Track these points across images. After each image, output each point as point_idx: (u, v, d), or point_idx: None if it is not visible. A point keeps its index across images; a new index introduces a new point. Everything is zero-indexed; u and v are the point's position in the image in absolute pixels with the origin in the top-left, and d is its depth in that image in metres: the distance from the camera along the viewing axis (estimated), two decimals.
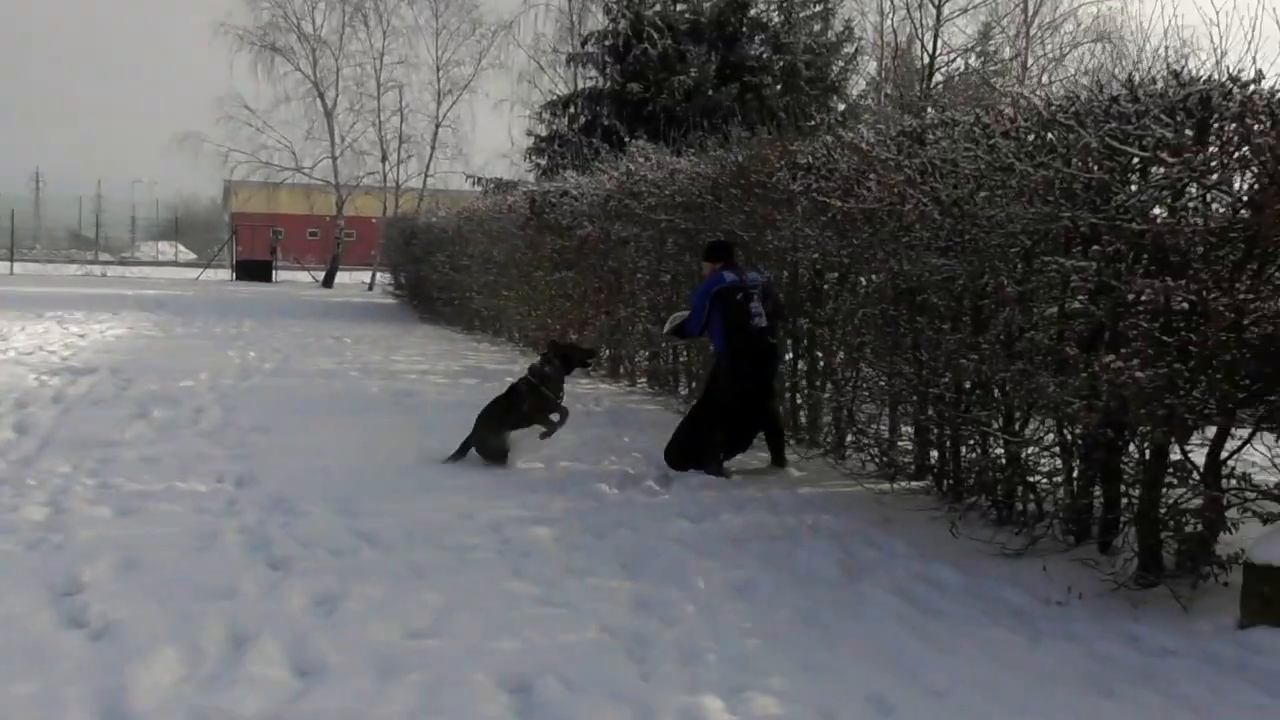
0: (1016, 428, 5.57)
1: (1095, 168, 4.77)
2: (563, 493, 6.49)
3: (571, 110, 25.95)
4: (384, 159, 35.20)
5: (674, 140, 13.54)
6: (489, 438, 7.23)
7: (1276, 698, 3.64)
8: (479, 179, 27.78)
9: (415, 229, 23.11)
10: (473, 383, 11.51)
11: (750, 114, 20.92)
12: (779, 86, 24.92)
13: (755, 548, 5.41)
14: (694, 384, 10.22)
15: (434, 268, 20.30)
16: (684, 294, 9.99)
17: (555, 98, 26.85)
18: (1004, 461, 5.59)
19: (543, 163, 25.65)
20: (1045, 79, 24.04)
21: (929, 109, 8.67)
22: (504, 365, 13.24)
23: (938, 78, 26.85)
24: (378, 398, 10.35)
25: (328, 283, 35.40)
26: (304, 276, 39.53)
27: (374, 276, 34.83)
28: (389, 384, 11.22)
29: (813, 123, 8.91)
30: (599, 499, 6.39)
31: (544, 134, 26.52)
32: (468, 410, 9.57)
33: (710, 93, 23.98)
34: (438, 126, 34.73)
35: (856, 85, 27.90)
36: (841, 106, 25.80)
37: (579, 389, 10.99)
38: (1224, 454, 4.58)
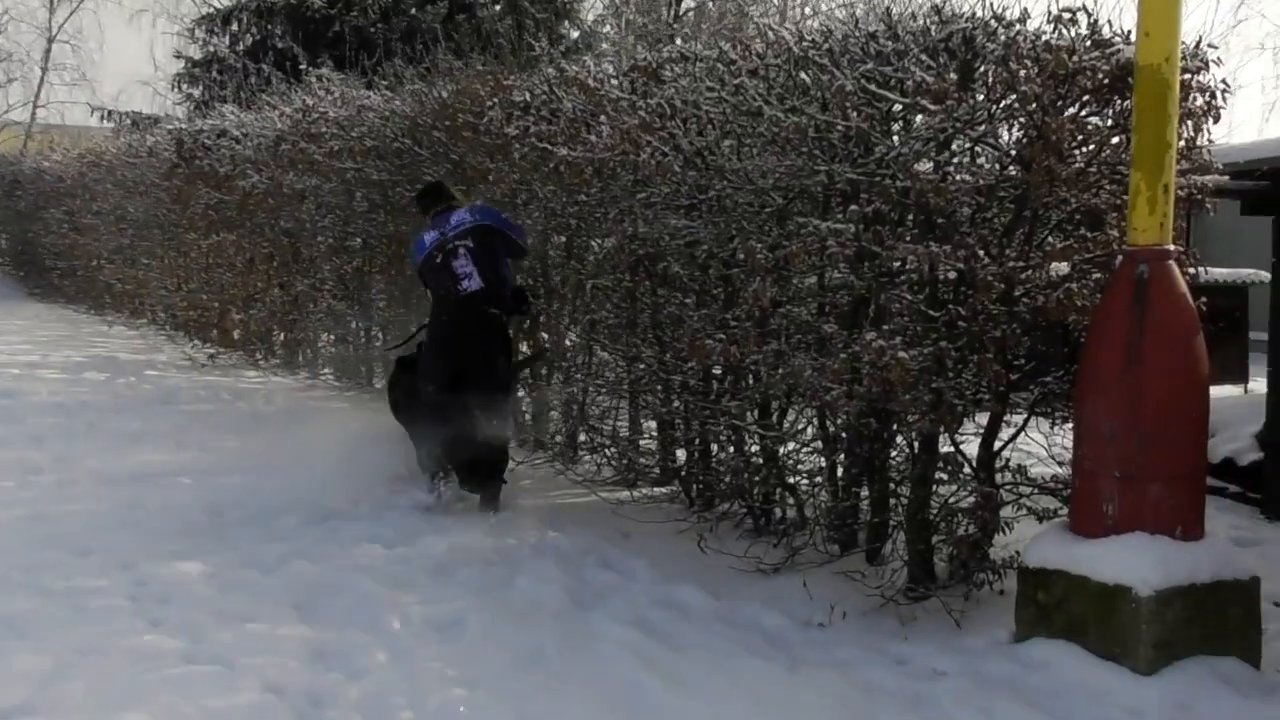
0: (774, 420, 5.78)
1: (854, 114, 4.99)
2: (218, 516, 6.32)
3: (235, 27, 24.88)
4: None
5: (366, 70, 13.24)
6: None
7: (1052, 717, 3.95)
8: (109, 112, 26.23)
9: (20, 176, 21.98)
10: (101, 378, 11.12)
11: (463, 39, 20.76)
12: (498, 7, 24.89)
13: (464, 576, 5.39)
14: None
15: (47, 227, 19.50)
16: (377, 262, 9.82)
17: (213, 10, 25.64)
18: (760, 461, 5.79)
19: (196, 93, 24.51)
20: (809, 10, 25.25)
21: (675, 40, 8.90)
22: (144, 355, 12.64)
23: (688, 3, 27.63)
24: None
25: None
26: None
27: None
28: None
29: (536, 52, 8.85)
30: (265, 524, 6.21)
31: (198, 56, 25.32)
32: (93, 413, 9.14)
33: (413, 11, 23.63)
34: (50, 41, 32.54)
35: (593, 9, 28.28)
36: (575, 34, 26.08)
37: (242, 385, 10.62)
38: (997, 444, 4.92)
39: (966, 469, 4.87)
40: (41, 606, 4.87)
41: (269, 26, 24.27)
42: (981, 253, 4.65)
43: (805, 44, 5.34)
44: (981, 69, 4.76)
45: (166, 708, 3.90)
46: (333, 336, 11.18)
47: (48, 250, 19.68)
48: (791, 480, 5.74)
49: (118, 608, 4.91)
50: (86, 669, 4.24)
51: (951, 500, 4.92)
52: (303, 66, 18.01)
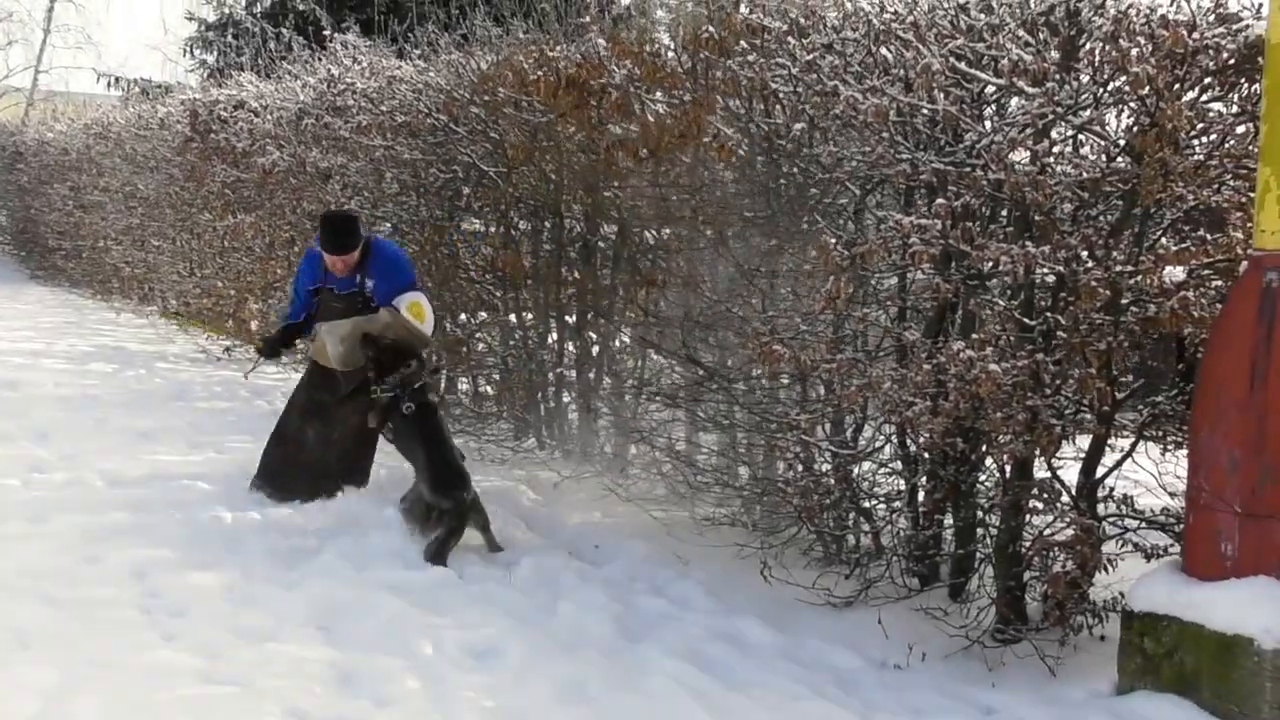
0: (848, 436, 5.72)
1: (941, 96, 4.92)
2: (235, 525, 6.35)
3: None
4: None
5: (397, 36, 13.22)
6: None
7: None
8: (117, 79, 26.48)
9: (22, 148, 22.20)
10: (109, 370, 11.22)
11: (502, 4, 20.70)
12: None
13: (503, 600, 5.39)
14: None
15: (50, 204, 19.70)
16: (408, 249, 9.80)
17: None
18: (832, 482, 5.73)
19: (210, 59, 24.69)
20: None
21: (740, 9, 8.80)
22: (155, 345, 12.75)
23: None
24: None
25: None
26: None
27: None
28: None
29: (586, 19, 8.80)
30: (286, 534, 6.24)
31: (211, 19, 25.50)
32: (101, 408, 9.22)
33: None
34: (53, 1, 32.84)
35: None
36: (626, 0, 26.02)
37: (261, 382, 10.65)
38: (1100, 471, 4.84)
39: (1064, 498, 4.80)
40: (49, 616, 4.95)
41: None
42: (1084, 254, 4.59)
43: (887, 16, 5.28)
44: (1087, 47, 4.69)
45: None
46: None
47: (51, 229, 19.90)
48: (867, 504, 5.69)
49: (129, 620, 4.99)
50: (98, 684, 4.33)
51: (1047, 532, 4.84)
52: (326, 32, 17.99)
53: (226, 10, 25.18)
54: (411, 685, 4.46)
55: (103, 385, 10.35)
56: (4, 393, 9.78)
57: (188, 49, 25.73)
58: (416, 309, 6.76)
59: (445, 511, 6.10)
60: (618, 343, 7.48)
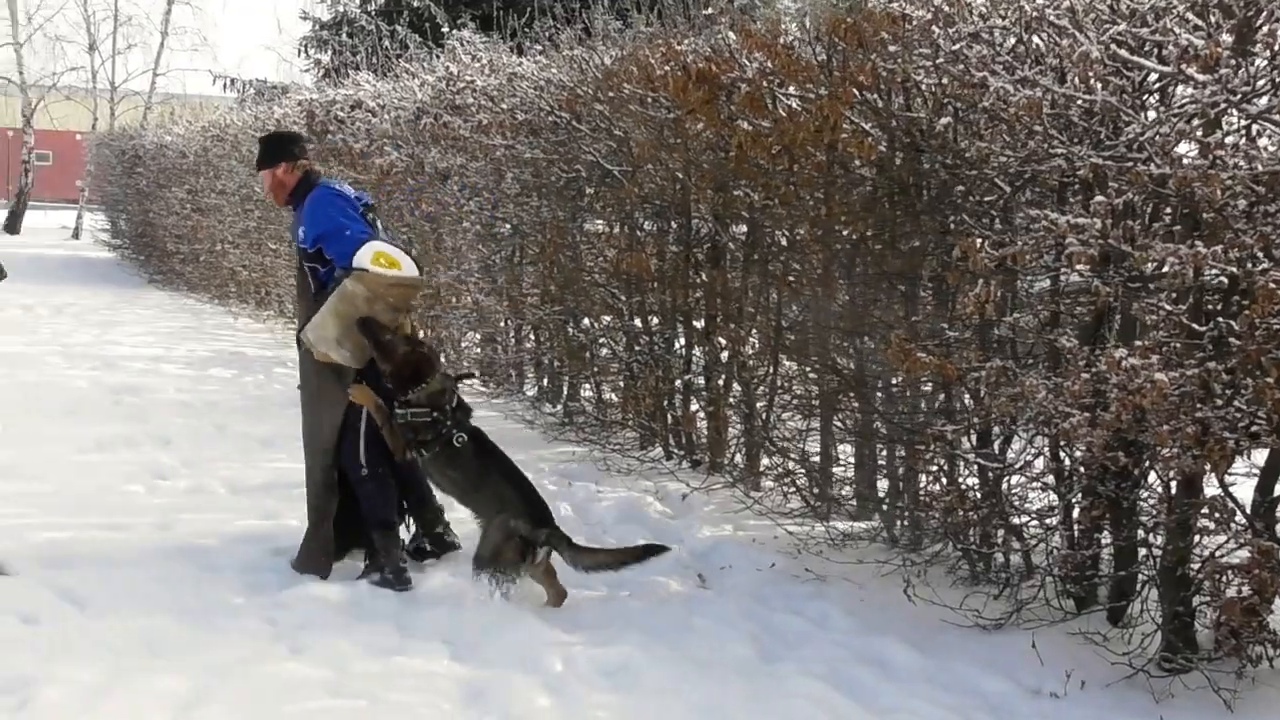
0: (995, 448, 5.61)
1: (1100, 86, 4.79)
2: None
3: None
4: (92, 49, 34.33)
5: (515, 32, 13.31)
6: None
7: None
8: (232, 80, 27.12)
9: (141, 151, 22.72)
10: (228, 374, 11.45)
11: None
12: None
13: (635, 615, 5.40)
14: (546, 380, 10.12)
15: (169, 208, 20.03)
16: (529, 252, 9.84)
17: None
18: (978, 495, 5.63)
19: (325, 59, 25.17)
20: None
21: None
22: (273, 350, 12.98)
23: None
24: (88, 395, 10.18)
25: (11, 227, 34.19)
26: None
27: (80, 218, 33.92)
28: (104, 375, 11.06)
29: (712, 10, 8.75)
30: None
31: (326, 18, 25.99)
32: (221, 414, 9.41)
33: None
34: (171, 4, 33.82)
35: None
36: None
37: None
38: (1279, 488, 4.66)
39: (1239, 517, 4.61)
40: (177, 624, 5.10)
41: None
42: (1260, 254, 4.40)
43: (1040, 2, 5.15)
44: (1265, 29, 4.51)
45: None
46: (478, 336, 11.28)
47: (169, 233, 20.30)
48: (1017, 521, 5.57)
49: (255, 630, 5.11)
50: (226, 695, 4.45)
51: (1219, 554, 4.67)
52: (443, 28, 18.23)
53: (341, 9, 25.65)
54: (542, 703, 4.50)
55: (222, 391, 10.57)
56: (127, 398, 10.04)
57: (302, 49, 26.29)
58: (382, 258, 5.83)
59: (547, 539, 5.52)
60: (748, 348, 7.42)
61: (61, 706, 4.30)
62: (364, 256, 5.77)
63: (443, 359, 11.54)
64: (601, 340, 8.96)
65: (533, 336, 10.28)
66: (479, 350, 11.28)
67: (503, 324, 10.64)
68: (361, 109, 12.57)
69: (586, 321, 9.02)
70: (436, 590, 5.66)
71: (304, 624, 5.20)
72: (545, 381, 10.20)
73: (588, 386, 9.41)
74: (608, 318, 8.82)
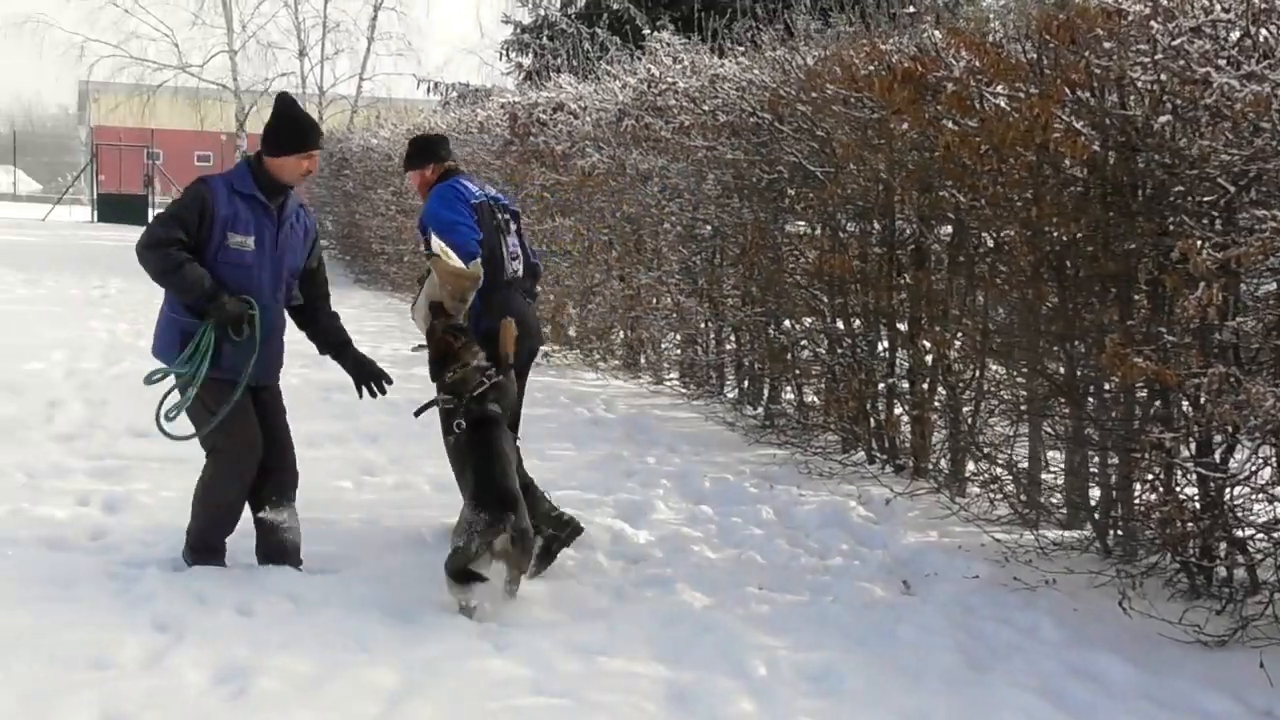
0: (1216, 457, 5.44)
1: None
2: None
3: None
4: (302, 54, 35.53)
5: (715, 34, 13.35)
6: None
7: None
8: (436, 84, 27.68)
9: (347, 154, 23.23)
10: None
11: None
12: None
13: (839, 619, 5.40)
14: (747, 382, 10.13)
15: (374, 209, 20.37)
16: (730, 254, 9.88)
17: None
18: (1198, 506, 5.47)
19: (526, 63, 25.53)
20: None
21: None
22: None
23: None
24: (299, 392, 10.08)
25: None
26: None
27: None
28: (312, 373, 10.87)
29: (911, 9, 8.65)
30: (614, 544, 6.42)
31: (527, 21, 26.36)
32: (427, 413, 9.58)
33: None
34: (377, 9, 34.80)
35: None
36: None
37: (580, 388, 10.94)
38: None
39: None
40: (386, 619, 5.18)
41: None
42: None
43: None
44: None
45: None
46: (679, 337, 11.34)
47: (374, 234, 20.64)
48: (1241, 534, 5.40)
49: (461, 626, 5.18)
50: (433, 689, 4.53)
51: None
52: (643, 30, 18.36)
53: (542, 12, 25.98)
54: (746, 707, 4.50)
55: (426, 390, 10.75)
56: (336, 395, 10.24)
57: (504, 52, 26.72)
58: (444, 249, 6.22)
59: (483, 527, 5.36)
60: (954, 351, 7.33)
61: (278, 695, 4.41)
62: (438, 244, 6.26)
63: (642, 359, 11.70)
64: (803, 342, 8.93)
65: (733, 338, 10.29)
66: (679, 351, 11.36)
67: (703, 325, 10.67)
68: (563, 111, 12.71)
69: (787, 323, 9.00)
70: (644, 590, 5.71)
71: (508, 621, 5.26)
72: (746, 383, 10.20)
73: (789, 389, 9.40)
74: (809, 319, 8.80)
